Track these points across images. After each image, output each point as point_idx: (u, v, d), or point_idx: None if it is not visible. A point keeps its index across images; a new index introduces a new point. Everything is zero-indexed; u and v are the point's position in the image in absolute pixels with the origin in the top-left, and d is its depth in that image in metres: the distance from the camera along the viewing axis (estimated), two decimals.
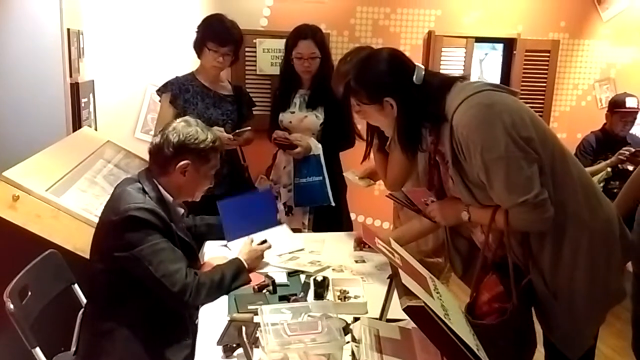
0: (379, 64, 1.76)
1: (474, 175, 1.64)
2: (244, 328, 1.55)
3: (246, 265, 2.04)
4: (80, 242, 2.17)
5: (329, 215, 2.93)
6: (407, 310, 1.28)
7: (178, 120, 1.98)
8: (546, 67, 4.39)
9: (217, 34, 2.84)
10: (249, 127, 2.93)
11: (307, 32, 2.89)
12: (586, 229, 1.65)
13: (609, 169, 3.76)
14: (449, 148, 1.67)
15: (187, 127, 1.91)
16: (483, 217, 1.70)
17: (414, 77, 1.71)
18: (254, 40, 3.89)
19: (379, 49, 1.88)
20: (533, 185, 1.56)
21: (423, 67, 1.76)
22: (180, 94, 2.90)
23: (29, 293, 1.89)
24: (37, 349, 1.77)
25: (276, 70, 3.56)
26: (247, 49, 3.82)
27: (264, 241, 2.23)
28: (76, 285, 2.13)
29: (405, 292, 1.31)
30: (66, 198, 2.33)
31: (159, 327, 1.84)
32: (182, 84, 2.93)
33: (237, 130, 2.86)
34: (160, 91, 2.97)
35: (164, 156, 1.90)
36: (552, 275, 1.66)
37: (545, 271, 1.67)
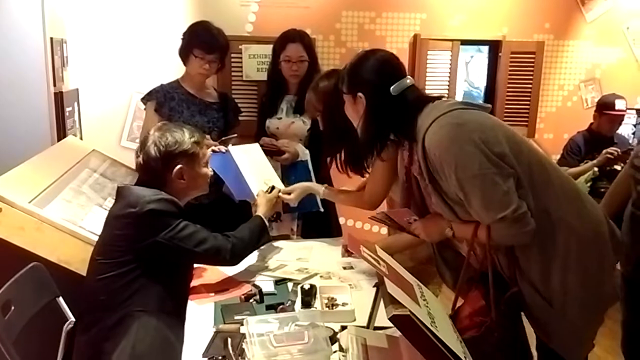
0: (369, 60, 1.79)
1: (452, 193, 1.64)
2: (229, 339, 1.54)
3: (267, 224, 2.24)
4: (64, 254, 2.14)
5: (317, 221, 2.91)
6: (393, 319, 1.27)
7: (152, 132, 1.96)
8: (532, 69, 4.40)
9: (204, 41, 2.83)
10: (236, 134, 2.91)
11: (295, 36, 2.91)
12: (574, 234, 1.64)
13: (595, 169, 3.77)
14: (424, 168, 1.67)
15: (162, 137, 1.90)
16: (466, 233, 1.70)
17: (393, 86, 1.71)
18: (240, 46, 3.87)
19: (379, 49, 1.89)
20: (510, 201, 1.55)
21: (411, 82, 1.76)
22: (165, 102, 2.87)
23: (12, 307, 1.85)
24: None
25: (262, 76, 3.54)
26: (232, 55, 3.80)
27: (273, 187, 2.45)
28: (61, 299, 2.09)
29: (392, 301, 1.31)
30: (50, 209, 2.30)
31: (171, 310, 1.82)
32: (167, 92, 2.90)
33: (223, 138, 2.84)
34: (145, 99, 2.94)
35: (156, 171, 1.89)
36: (544, 283, 1.66)
37: (535, 280, 1.66)
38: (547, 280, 1.65)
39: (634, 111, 4.32)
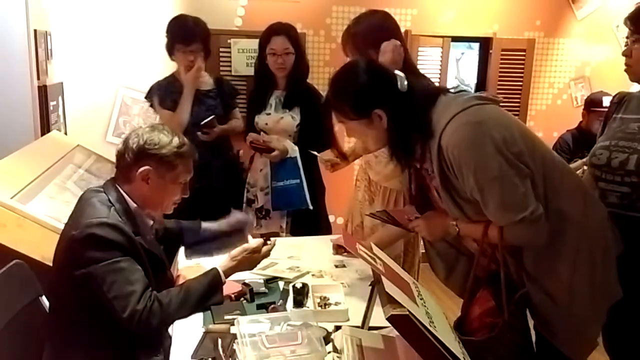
0: (358, 76, 1.66)
1: (465, 193, 1.60)
2: (219, 340, 1.49)
3: (224, 279, 1.77)
4: (48, 251, 2.06)
5: (307, 219, 2.88)
6: (391, 319, 1.23)
7: (144, 126, 1.84)
8: (522, 66, 4.40)
9: (181, 34, 2.91)
10: (213, 116, 2.92)
11: (280, 29, 2.88)
12: (584, 232, 1.63)
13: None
14: (437, 166, 1.61)
15: (150, 132, 1.75)
16: (473, 232, 1.67)
17: (398, 84, 1.64)
18: (229, 41, 3.81)
19: (354, 60, 1.81)
20: (529, 202, 1.53)
21: (402, 74, 1.68)
22: (166, 96, 2.95)
23: None
24: None
25: (252, 71, 3.47)
26: (221, 50, 3.75)
27: (267, 240, 1.91)
28: (44, 298, 2.03)
29: (389, 300, 1.27)
30: (33, 205, 2.23)
31: (125, 346, 1.69)
32: (165, 87, 2.98)
33: (201, 123, 2.87)
34: (148, 97, 3.03)
35: (126, 163, 1.75)
36: (552, 282, 1.64)
37: (543, 280, 1.64)
38: (555, 279, 1.63)
39: None
